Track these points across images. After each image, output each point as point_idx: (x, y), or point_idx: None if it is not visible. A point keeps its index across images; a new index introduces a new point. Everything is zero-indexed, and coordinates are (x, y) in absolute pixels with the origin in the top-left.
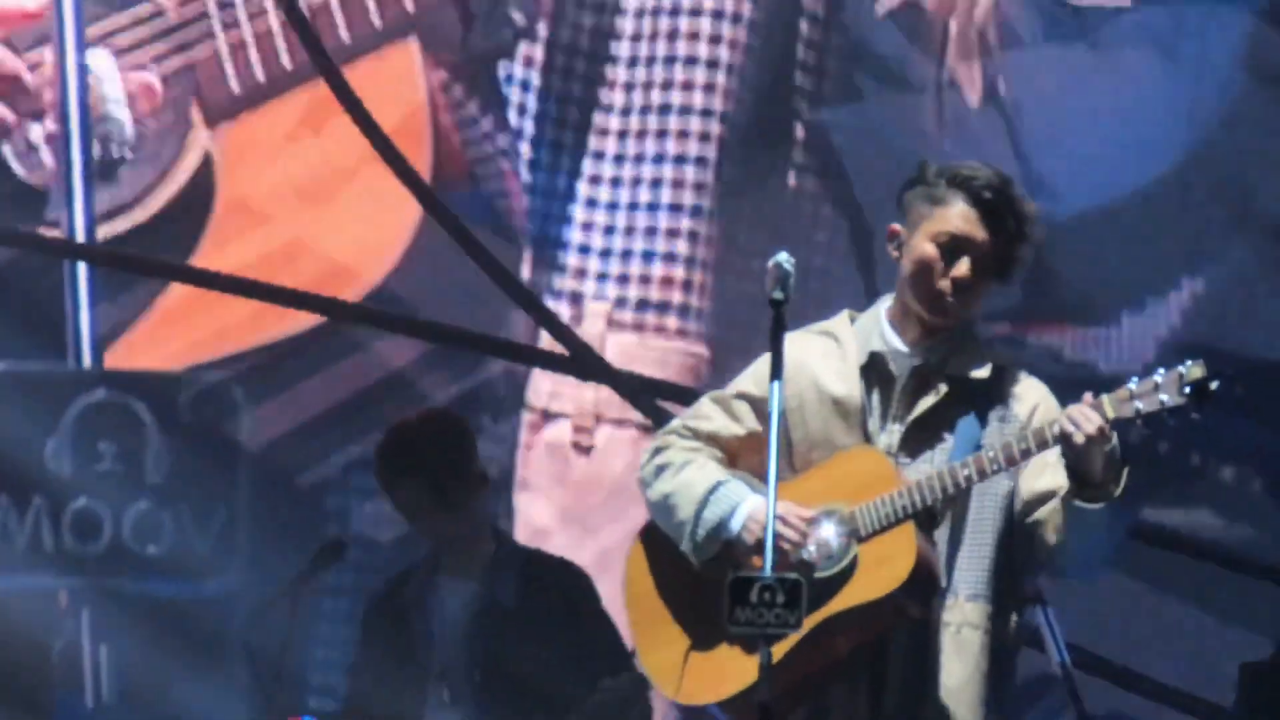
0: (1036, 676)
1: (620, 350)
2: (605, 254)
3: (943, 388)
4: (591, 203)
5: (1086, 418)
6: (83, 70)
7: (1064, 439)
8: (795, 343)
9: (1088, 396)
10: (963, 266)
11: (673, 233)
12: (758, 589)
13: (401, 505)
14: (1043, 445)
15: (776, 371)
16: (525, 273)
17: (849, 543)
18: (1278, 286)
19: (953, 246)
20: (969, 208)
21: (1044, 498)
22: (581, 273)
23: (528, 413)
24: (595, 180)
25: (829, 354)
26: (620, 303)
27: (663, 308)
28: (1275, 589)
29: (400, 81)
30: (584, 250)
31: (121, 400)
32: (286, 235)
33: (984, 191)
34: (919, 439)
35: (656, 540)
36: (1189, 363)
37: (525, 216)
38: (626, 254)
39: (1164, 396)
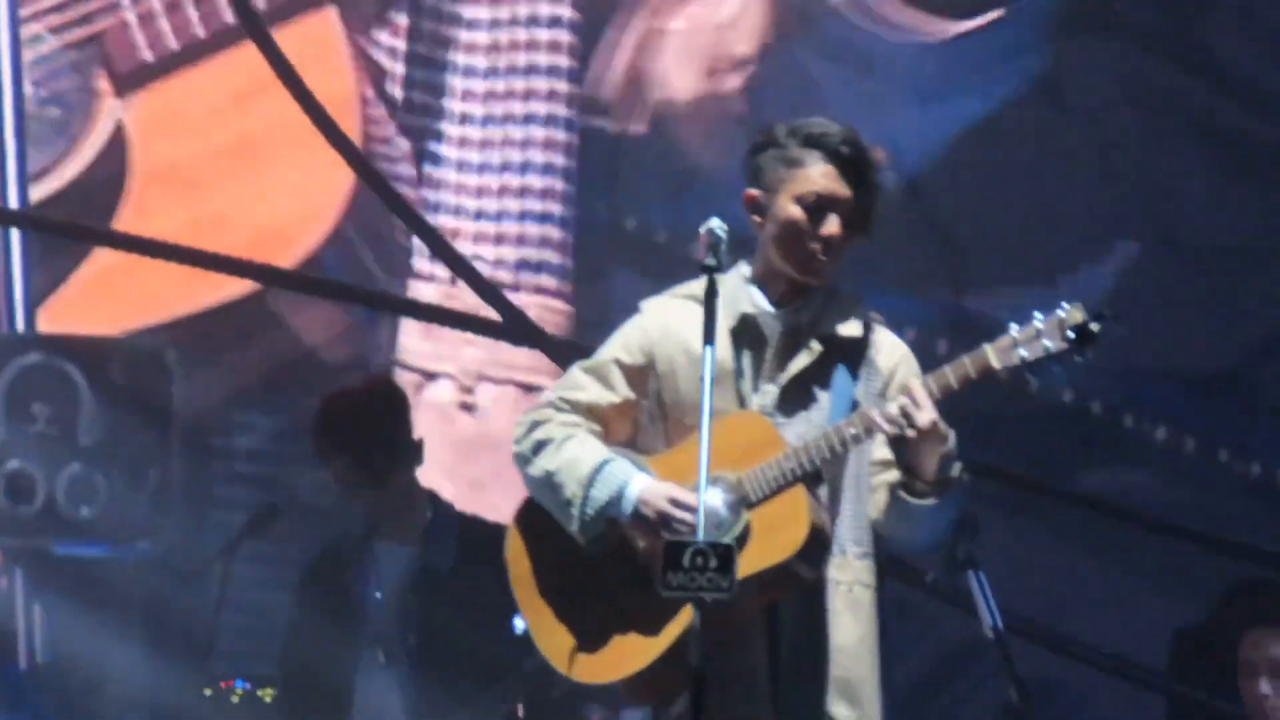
0: (969, 641)
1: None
2: (478, 215)
3: (816, 346)
4: (461, 165)
5: (918, 407)
6: (14, 37)
7: (897, 426)
8: (660, 308)
9: (911, 384)
10: (832, 224)
11: (546, 192)
12: (690, 553)
13: (335, 477)
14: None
15: (709, 336)
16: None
17: (739, 511)
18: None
19: (819, 205)
20: (829, 165)
21: (879, 465)
22: (455, 234)
23: (407, 373)
24: (464, 143)
25: (695, 318)
26: (497, 263)
27: (538, 267)
28: (1208, 553)
29: (323, 48)
30: (458, 212)
31: (55, 363)
32: (215, 203)
33: (841, 147)
34: (794, 399)
35: (535, 520)
36: (1067, 305)
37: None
38: (499, 215)
39: (1047, 342)
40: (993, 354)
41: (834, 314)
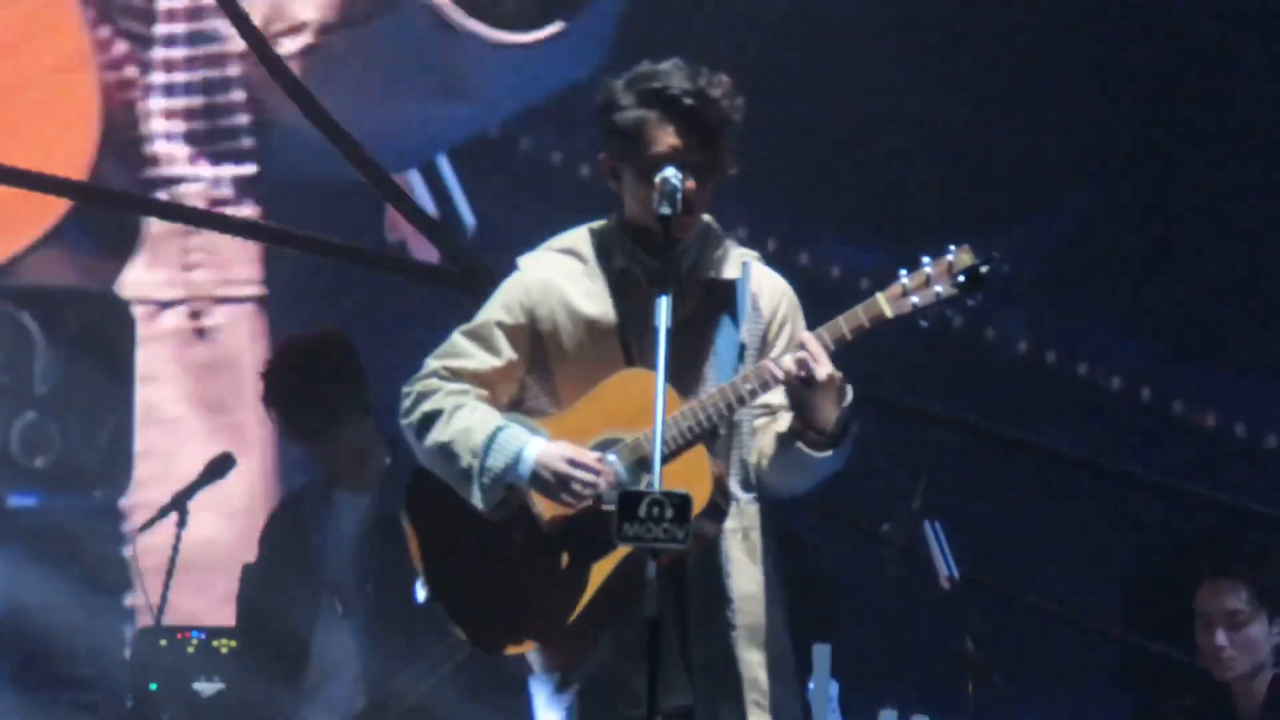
0: (925, 593)
1: None
2: (190, 138)
3: (696, 295)
4: (169, 89)
5: (816, 361)
6: None
7: (794, 380)
8: (538, 262)
9: (805, 338)
10: (687, 182)
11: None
12: (646, 504)
13: (286, 426)
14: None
15: (664, 286)
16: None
17: (639, 471)
18: None
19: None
20: (670, 124)
21: (760, 410)
22: (171, 159)
23: (140, 306)
24: (169, 66)
25: (575, 273)
26: (215, 182)
27: (245, 181)
28: (1162, 503)
29: (52, 10)
30: (169, 138)
31: (8, 312)
32: None
33: (681, 99)
34: (681, 350)
35: (430, 492)
36: (954, 249)
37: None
38: (210, 133)
39: (938, 288)
40: (885, 302)
41: (709, 258)
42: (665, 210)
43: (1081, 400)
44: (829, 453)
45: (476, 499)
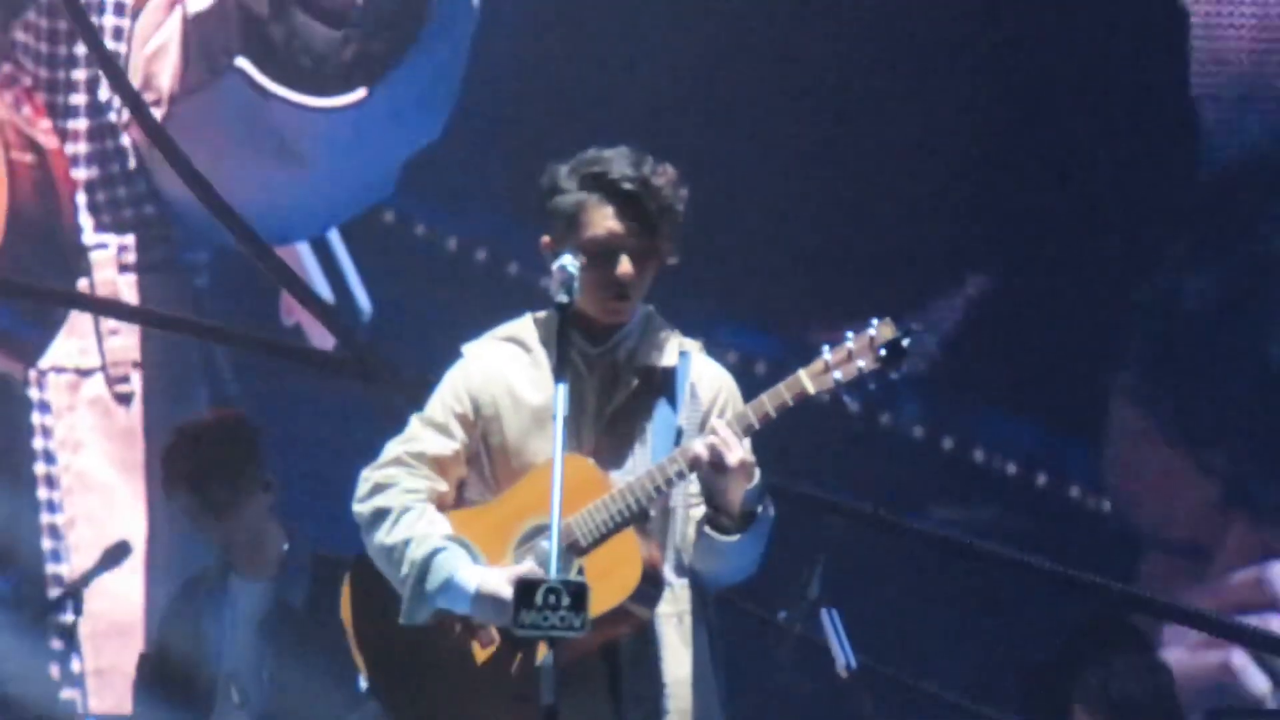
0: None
1: (134, 290)
2: (94, 207)
3: (633, 381)
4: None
5: (728, 447)
6: None
7: (705, 466)
8: (483, 350)
9: (717, 425)
10: (624, 265)
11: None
12: (543, 591)
13: (181, 510)
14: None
15: (560, 373)
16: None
17: (569, 558)
18: None
19: (606, 251)
20: (608, 206)
21: (694, 496)
22: (77, 228)
23: (59, 375)
24: (76, 136)
25: (519, 361)
26: (122, 249)
27: (152, 244)
28: (1058, 589)
29: None
30: (83, 208)
31: None
32: None
33: (621, 184)
34: (618, 436)
35: (370, 581)
36: (875, 323)
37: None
38: (114, 201)
39: (860, 363)
40: (807, 379)
41: (649, 345)
42: (562, 298)
43: (979, 486)
44: (737, 536)
45: (405, 614)
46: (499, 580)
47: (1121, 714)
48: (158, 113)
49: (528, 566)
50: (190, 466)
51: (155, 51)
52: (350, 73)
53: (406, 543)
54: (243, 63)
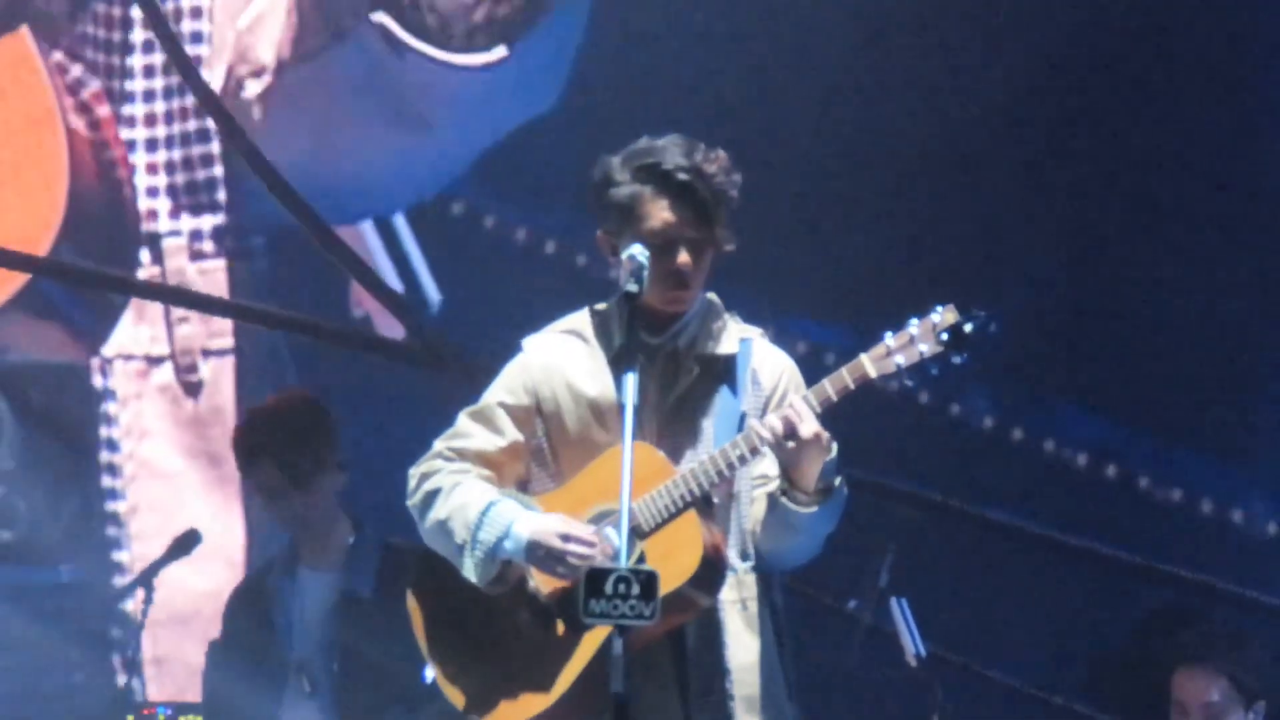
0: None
1: (206, 277)
2: (171, 190)
3: (694, 369)
4: (151, 144)
5: (800, 419)
6: None
7: (780, 439)
8: (540, 345)
9: (792, 399)
10: (682, 257)
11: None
12: (613, 580)
13: (257, 486)
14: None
15: (630, 361)
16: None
17: (632, 540)
18: None
19: (664, 244)
20: (664, 199)
21: (759, 479)
22: (153, 214)
23: (127, 363)
24: (151, 120)
25: (577, 353)
26: (195, 235)
27: (221, 233)
28: (1129, 579)
29: (20, 68)
30: (152, 193)
31: None
32: None
33: (675, 175)
34: (680, 423)
35: (434, 571)
36: (939, 309)
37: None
38: (190, 186)
39: (922, 347)
40: (869, 363)
41: (709, 333)
42: (632, 287)
43: (1048, 477)
44: (815, 509)
45: (471, 573)
46: (554, 525)
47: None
48: (259, 84)
49: (589, 528)
50: (273, 437)
51: (252, 23)
52: (480, 33)
53: (461, 507)
54: (382, 17)
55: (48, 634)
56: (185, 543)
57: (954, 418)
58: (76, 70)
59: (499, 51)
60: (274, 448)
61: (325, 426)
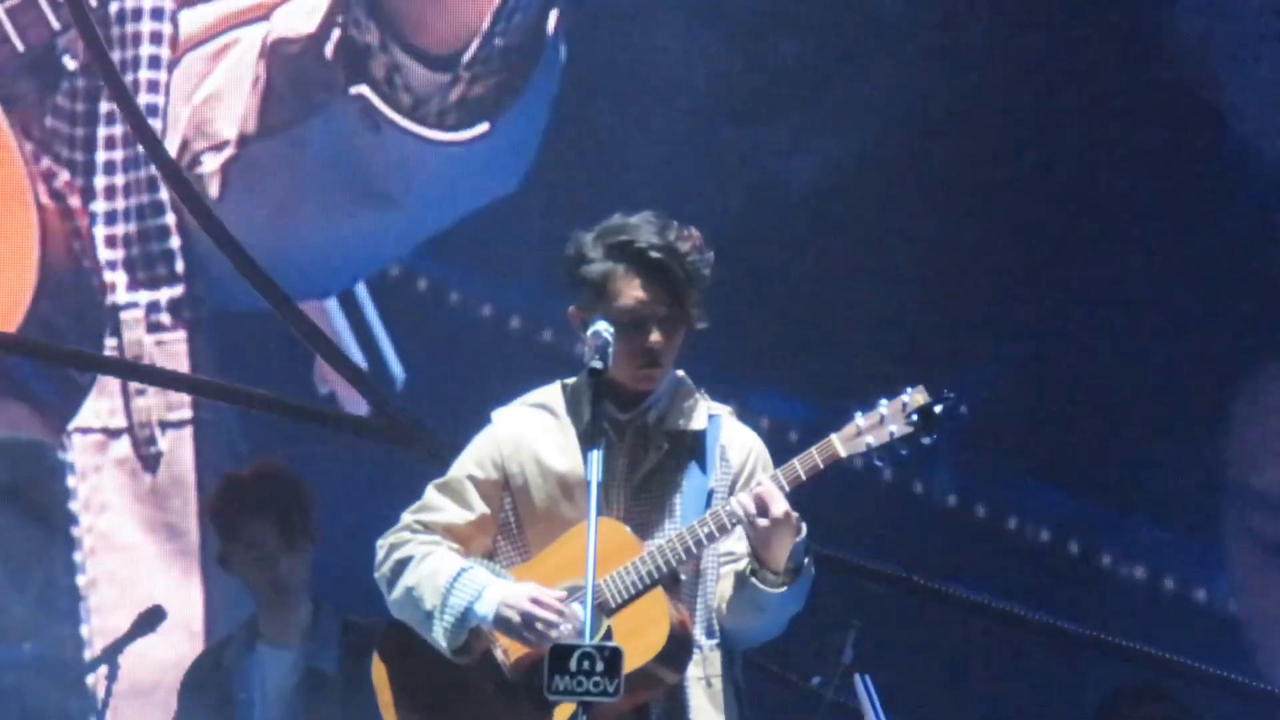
0: None
1: (164, 349)
2: (128, 264)
3: (664, 445)
4: (110, 217)
5: (772, 498)
6: None
7: (751, 518)
8: (509, 418)
9: (761, 478)
10: (654, 335)
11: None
12: (577, 657)
13: (250, 542)
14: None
15: (595, 438)
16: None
17: (599, 617)
18: None
19: (635, 322)
20: (637, 277)
21: (725, 557)
22: (111, 287)
23: (85, 436)
24: (110, 193)
25: (546, 427)
26: (152, 307)
27: (179, 305)
28: (1092, 656)
29: None
30: (111, 266)
31: None
32: None
33: (648, 253)
34: (648, 499)
35: (400, 645)
36: (910, 390)
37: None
38: (146, 258)
39: (892, 428)
40: (839, 443)
41: (679, 410)
42: (596, 364)
43: (1011, 553)
44: (783, 589)
45: (440, 638)
46: (526, 590)
47: None
48: (217, 159)
49: (558, 594)
50: (275, 494)
51: (208, 98)
52: (451, 113)
53: (431, 574)
54: (363, 90)
55: (7, 710)
56: (150, 619)
57: (917, 494)
58: (47, 161)
59: (481, 128)
60: (276, 505)
61: (307, 492)
